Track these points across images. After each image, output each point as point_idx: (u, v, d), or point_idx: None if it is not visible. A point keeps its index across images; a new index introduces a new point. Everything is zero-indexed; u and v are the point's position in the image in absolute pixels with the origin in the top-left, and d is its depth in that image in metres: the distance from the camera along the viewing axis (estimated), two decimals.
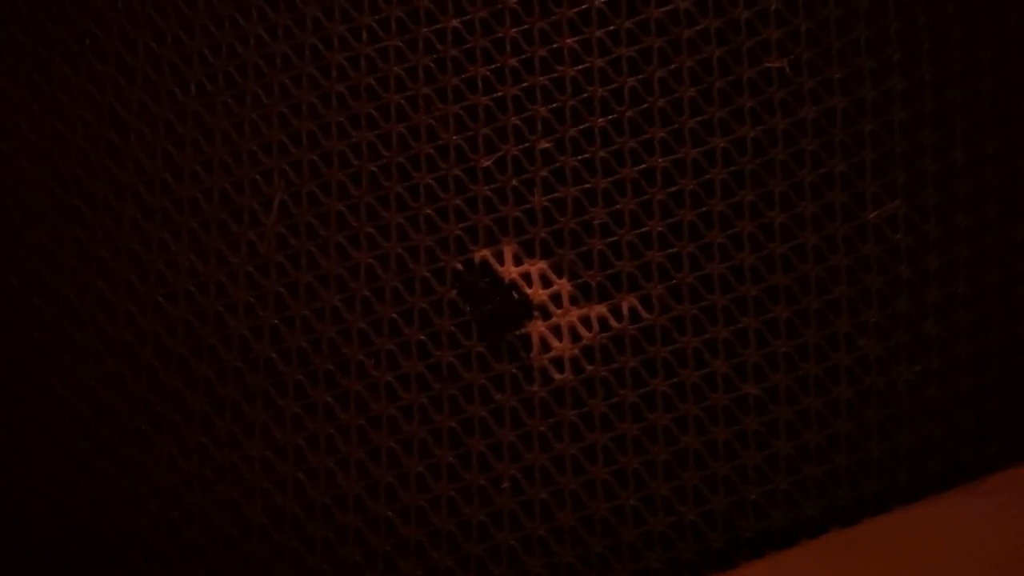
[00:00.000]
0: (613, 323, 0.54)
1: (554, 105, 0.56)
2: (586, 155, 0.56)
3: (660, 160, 0.55)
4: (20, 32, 0.60)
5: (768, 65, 0.56)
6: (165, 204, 0.57)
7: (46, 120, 0.58)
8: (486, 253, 0.55)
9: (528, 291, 0.55)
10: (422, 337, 0.55)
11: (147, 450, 0.54)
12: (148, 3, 0.59)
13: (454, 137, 0.56)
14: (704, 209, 0.55)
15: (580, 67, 0.56)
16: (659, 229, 0.55)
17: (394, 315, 0.55)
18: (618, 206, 0.55)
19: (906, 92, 0.56)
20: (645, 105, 0.56)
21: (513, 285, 0.55)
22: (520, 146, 0.56)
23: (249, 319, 0.55)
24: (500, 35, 0.57)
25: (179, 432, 0.55)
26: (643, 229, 0.55)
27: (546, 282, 0.55)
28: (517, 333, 0.55)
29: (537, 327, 0.55)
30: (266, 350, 0.55)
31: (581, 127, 0.56)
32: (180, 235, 0.56)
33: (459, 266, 0.55)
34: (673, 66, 0.56)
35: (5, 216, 0.58)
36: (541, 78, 0.56)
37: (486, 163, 0.56)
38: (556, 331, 0.55)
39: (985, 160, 0.55)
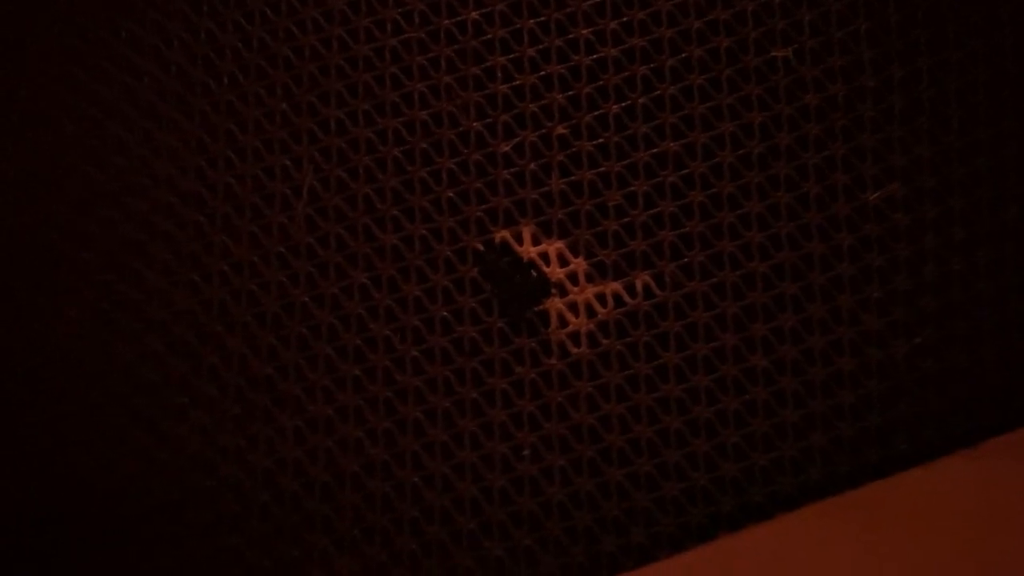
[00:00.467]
0: (627, 299, 0.57)
1: (570, 93, 0.59)
2: (601, 140, 0.59)
3: (671, 144, 0.58)
4: (60, 26, 0.62)
5: (774, 54, 0.59)
6: (200, 189, 0.60)
7: (86, 111, 0.61)
8: (506, 234, 0.58)
9: (546, 270, 0.58)
10: (445, 313, 0.57)
11: (184, 423, 0.57)
12: (186, 1, 0.62)
13: (475, 124, 0.59)
14: (713, 191, 0.58)
15: (595, 56, 0.59)
16: (671, 210, 0.58)
17: (419, 293, 0.58)
18: (632, 188, 0.58)
19: (904, 80, 0.59)
20: (657, 92, 0.59)
21: (532, 264, 0.58)
22: (538, 132, 0.59)
23: (281, 297, 0.58)
24: (518, 26, 0.60)
25: (215, 405, 0.57)
26: (655, 210, 0.58)
27: (563, 261, 0.58)
28: (536, 309, 0.58)
29: (555, 304, 0.58)
30: (297, 327, 0.58)
31: (596, 113, 0.59)
32: (214, 219, 0.59)
33: (480, 246, 0.58)
34: (683, 55, 0.59)
35: (48, 203, 0.60)
36: (558, 67, 0.59)
37: (505, 148, 0.59)
38: (573, 307, 0.57)
39: (978, 147, 0.58)
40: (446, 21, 0.60)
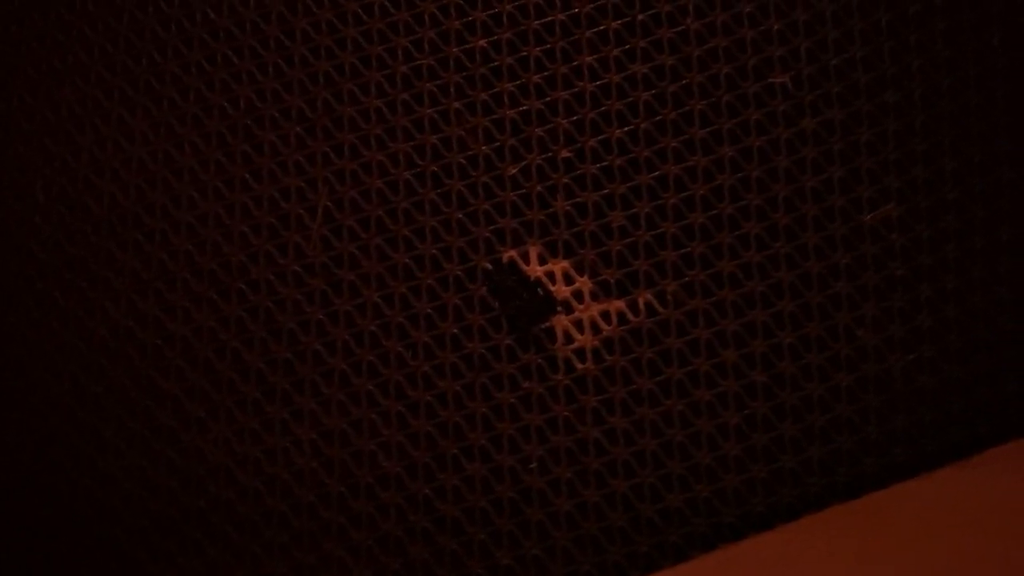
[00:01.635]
0: (631, 317, 0.59)
1: (575, 117, 0.61)
2: (605, 163, 0.61)
3: (673, 167, 0.60)
4: (85, 55, 0.65)
5: (772, 80, 0.61)
6: (218, 210, 0.62)
7: (110, 135, 0.63)
8: (513, 254, 0.60)
9: (552, 288, 0.60)
10: (455, 330, 0.60)
11: (204, 435, 0.59)
12: (200, 26, 0.64)
13: (483, 147, 0.61)
14: (714, 212, 0.60)
15: (598, 83, 0.61)
16: (673, 231, 0.60)
17: (429, 310, 0.60)
18: (635, 210, 0.60)
19: (898, 105, 0.61)
20: (659, 117, 0.61)
21: (538, 283, 0.60)
22: (544, 155, 0.61)
23: (297, 315, 0.60)
24: (524, 54, 0.62)
25: (233, 418, 0.59)
26: (658, 231, 0.60)
27: (569, 280, 0.60)
28: (542, 327, 0.60)
29: (561, 321, 0.60)
30: (313, 343, 0.60)
31: (600, 138, 0.61)
32: (232, 238, 0.62)
33: (489, 266, 0.60)
34: (684, 81, 0.61)
35: (74, 223, 0.63)
36: (562, 93, 0.62)
37: (513, 171, 0.61)
38: (578, 325, 0.59)
39: (971, 168, 0.60)
40: (455, 49, 0.62)
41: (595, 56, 0.62)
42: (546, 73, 0.62)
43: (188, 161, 0.63)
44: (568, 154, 0.61)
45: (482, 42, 0.62)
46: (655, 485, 0.57)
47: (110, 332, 0.61)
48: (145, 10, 0.65)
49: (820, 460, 0.57)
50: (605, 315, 0.59)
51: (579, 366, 0.59)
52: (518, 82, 0.62)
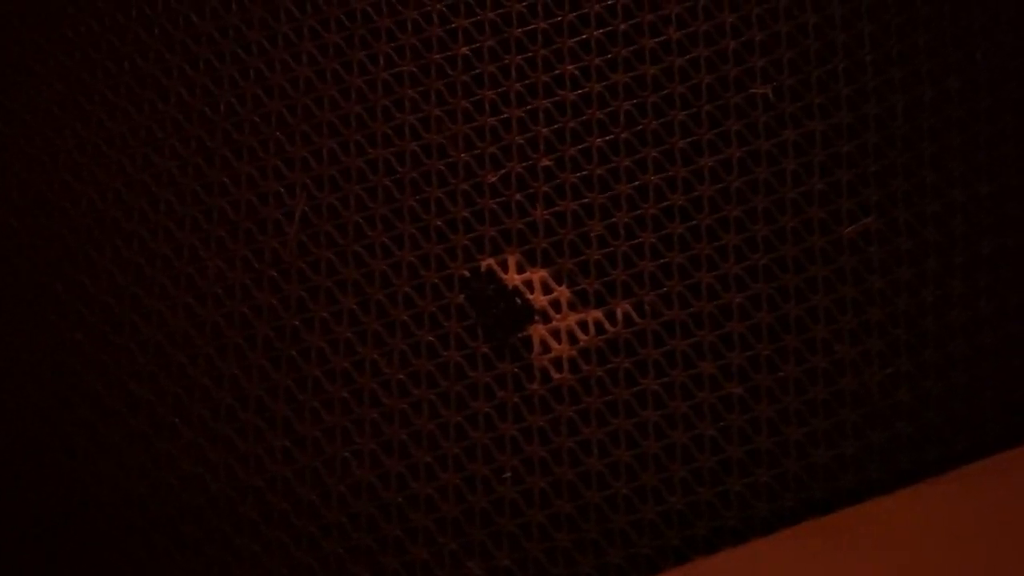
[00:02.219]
0: (608, 327, 0.59)
1: (555, 126, 0.61)
2: (584, 172, 0.60)
3: (653, 178, 0.60)
4: (66, 58, 0.65)
5: (753, 91, 0.61)
6: (196, 214, 0.62)
7: (90, 139, 0.63)
8: (491, 262, 0.60)
9: (530, 297, 0.60)
10: (432, 338, 0.59)
11: (177, 441, 0.59)
12: (182, 30, 0.64)
13: (463, 155, 0.61)
14: (693, 223, 0.60)
15: (579, 92, 0.61)
16: (651, 241, 0.60)
17: (406, 318, 0.60)
18: (613, 220, 0.60)
19: (879, 117, 0.61)
20: (639, 127, 0.61)
21: (516, 291, 0.60)
22: (524, 164, 0.61)
23: (272, 320, 0.60)
24: (506, 62, 0.62)
25: (206, 425, 0.59)
26: (636, 241, 0.60)
27: (547, 289, 0.60)
28: (519, 336, 0.59)
29: (538, 330, 0.59)
30: (287, 349, 0.59)
31: (580, 147, 0.61)
32: (209, 243, 0.61)
33: (466, 273, 0.60)
34: (665, 92, 0.61)
35: (51, 227, 0.62)
36: (543, 101, 0.61)
37: (492, 179, 0.61)
38: (555, 334, 0.59)
39: (952, 181, 0.60)
40: (437, 56, 0.62)
41: (576, 65, 0.62)
42: (527, 81, 0.62)
43: (167, 165, 0.63)
44: (548, 163, 0.61)
45: (464, 49, 0.62)
46: (629, 497, 0.57)
47: (85, 336, 0.61)
48: (128, 13, 0.65)
49: (795, 474, 0.57)
50: (582, 325, 0.59)
51: (555, 375, 0.59)
52: (499, 90, 0.62)
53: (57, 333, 0.61)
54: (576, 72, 0.62)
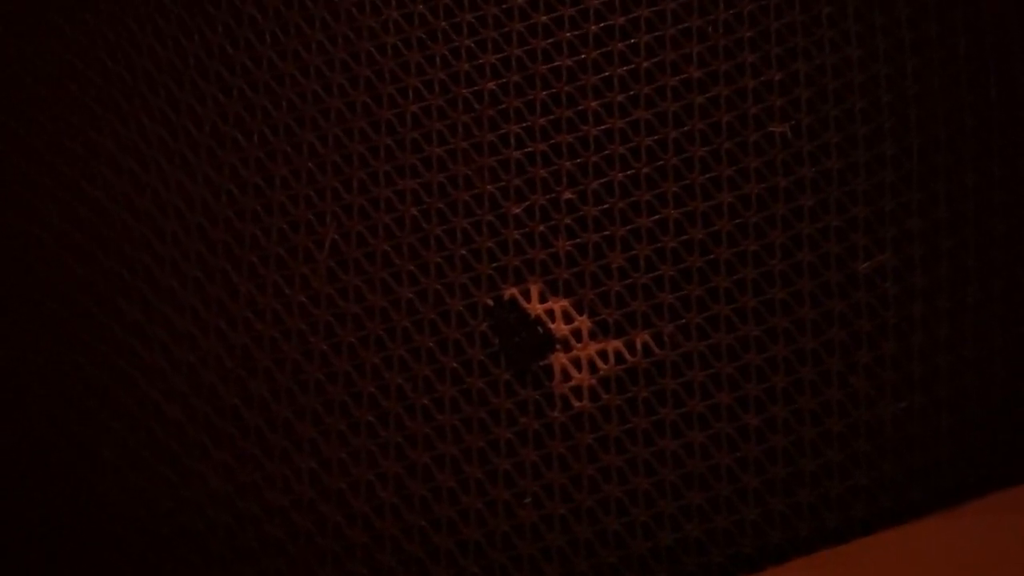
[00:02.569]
0: (628, 357, 0.61)
1: (578, 160, 0.63)
2: (606, 206, 0.62)
3: (672, 212, 0.62)
4: (106, 86, 0.67)
5: (772, 129, 0.63)
6: (228, 239, 0.64)
7: (126, 164, 0.65)
8: (515, 291, 0.62)
9: (552, 326, 0.61)
10: (456, 365, 0.61)
11: (206, 459, 0.60)
12: (217, 59, 0.66)
13: (488, 187, 0.63)
14: (711, 257, 0.61)
15: (602, 127, 0.63)
16: (671, 274, 0.61)
17: (431, 344, 0.61)
18: (634, 252, 0.61)
19: (896, 157, 0.62)
20: (660, 162, 0.62)
21: (538, 320, 0.61)
22: (547, 196, 0.63)
23: (301, 344, 0.61)
24: (531, 98, 0.64)
25: (235, 445, 0.61)
26: (656, 273, 0.61)
27: (568, 318, 0.61)
28: (541, 364, 0.61)
29: (559, 359, 0.61)
30: (315, 372, 0.61)
31: (602, 180, 0.62)
32: (241, 268, 0.63)
33: (490, 302, 0.62)
34: (686, 128, 0.63)
35: (86, 247, 0.64)
36: (567, 136, 0.63)
37: (516, 210, 0.62)
38: (576, 363, 0.61)
39: (965, 219, 0.61)
40: (464, 90, 0.64)
41: (600, 101, 0.63)
42: (551, 116, 0.63)
43: (200, 191, 0.64)
44: (571, 196, 0.63)
45: (491, 84, 0.64)
46: (647, 523, 0.58)
47: (116, 353, 0.62)
48: (165, 44, 0.67)
49: (810, 504, 0.58)
50: (603, 354, 0.61)
51: (576, 403, 0.60)
52: (524, 124, 0.63)
53: (90, 351, 0.63)
54: (599, 108, 0.63)
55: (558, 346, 0.61)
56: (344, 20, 0.66)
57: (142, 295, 0.63)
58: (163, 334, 0.63)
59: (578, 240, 0.62)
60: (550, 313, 0.62)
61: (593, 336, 0.61)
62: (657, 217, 0.62)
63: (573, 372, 0.61)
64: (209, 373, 0.62)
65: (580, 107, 0.63)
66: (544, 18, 0.65)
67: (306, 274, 0.63)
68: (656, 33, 0.64)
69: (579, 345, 0.61)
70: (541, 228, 0.62)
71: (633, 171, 0.62)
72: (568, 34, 0.64)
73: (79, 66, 0.68)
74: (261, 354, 0.62)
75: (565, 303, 0.62)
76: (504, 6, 0.65)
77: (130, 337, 0.63)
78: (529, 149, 0.63)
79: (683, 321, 0.61)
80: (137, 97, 0.67)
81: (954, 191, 0.62)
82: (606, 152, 0.63)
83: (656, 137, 0.63)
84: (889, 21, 0.64)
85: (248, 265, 0.63)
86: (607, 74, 0.64)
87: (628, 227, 0.62)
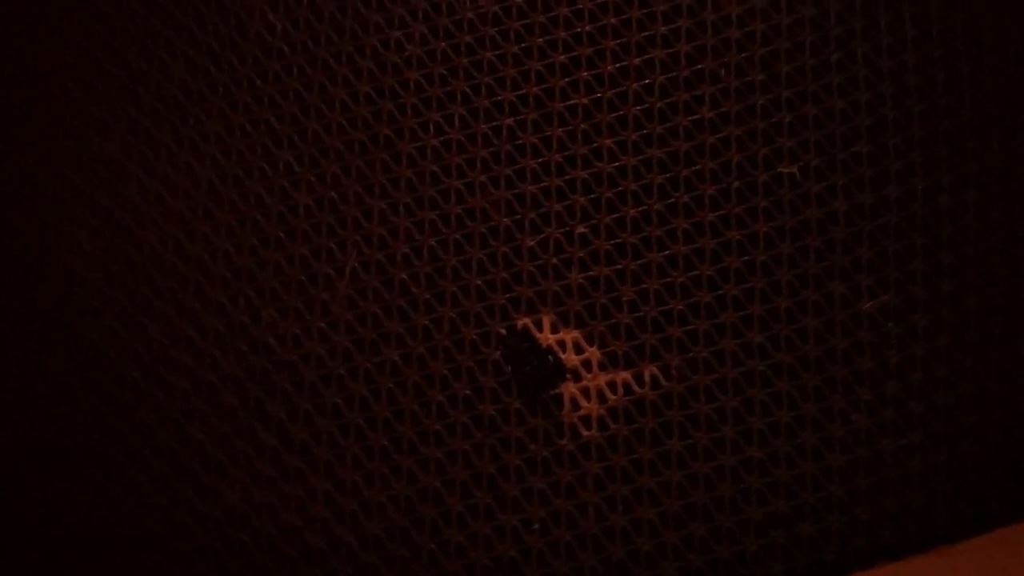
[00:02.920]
0: (636, 388, 0.62)
1: (592, 196, 0.65)
2: (618, 240, 0.64)
3: (682, 248, 0.64)
4: (135, 111, 0.69)
5: (780, 170, 0.65)
6: (251, 266, 0.66)
7: (152, 188, 0.68)
8: (527, 321, 0.64)
9: (562, 356, 0.63)
10: (468, 392, 0.63)
11: (224, 479, 0.62)
12: (245, 90, 0.69)
13: (504, 219, 0.65)
14: (720, 292, 0.63)
15: (616, 164, 0.65)
16: (679, 308, 0.63)
17: (445, 371, 0.63)
18: (644, 286, 0.63)
19: (900, 199, 0.64)
20: (671, 200, 0.64)
21: (550, 350, 0.63)
22: (561, 230, 0.65)
23: (319, 369, 0.64)
24: (548, 134, 0.66)
25: (252, 464, 0.62)
26: (665, 307, 0.63)
27: (578, 349, 0.63)
28: (551, 393, 0.63)
29: (569, 388, 0.63)
30: (332, 396, 0.63)
31: (615, 216, 0.65)
32: (263, 293, 0.65)
33: (503, 331, 0.64)
34: (696, 167, 0.65)
35: (114, 270, 0.67)
36: (582, 172, 0.65)
37: (531, 243, 0.65)
38: (585, 393, 0.63)
39: (966, 261, 0.63)
40: (483, 126, 0.66)
41: (614, 139, 0.65)
42: (567, 152, 0.66)
43: (226, 218, 0.67)
44: (584, 230, 0.65)
45: (509, 120, 0.66)
46: (651, 553, 0.60)
47: (142, 375, 0.64)
48: (195, 74, 0.70)
49: (809, 537, 0.60)
50: (611, 385, 0.63)
51: (584, 433, 0.62)
52: (541, 160, 0.66)
53: (116, 370, 0.65)
54: (613, 146, 0.65)
55: (568, 376, 0.63)
56: (369, 55, 0.68)
57: (166, 316, 0.65)
58: (187, 355, 0.65)
59: (590, 273, 0.64)
60: (561, 343, 0.63)
61: (603, 367, 0.63)
62: (667, 252, 0.64)
63: (582, 402, 0.62)
64: (229, 395, 0.64)
65: (595, 144, 0.66)
66: (562, 57, 0.67)
67: (326, 300, 0.65)
68: (670, 74, 0.66)
69: (589, 375, 0.63)
70: (554, 261, 0.64)
71: (645, 207, 0.64)
72: (585, 73, 0.67)
73: (114, 97, 0.70)
74: (280, 377, 0.64)
75: (576, 334, 0.63)
76: (523, 45, 0.67)
77: (154, 357, 0.65)
78: (545, 184, 0.65)
79: (691, 355, 0.62)
80: (167, 125, 0.69)
81: (956, 233, 0.64)
82: (619, 188, 0.65)
83: (669, 175, 0.65)
84: (897, 65, 0.66)
85: (271, 291, 0.65)
86: (621, 113, 0.66)
87: (639, 261, 0.64)
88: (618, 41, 0.67)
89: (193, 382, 0.64)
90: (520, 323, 0.64)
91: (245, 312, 0.65)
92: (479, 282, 0.64)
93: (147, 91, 0.70)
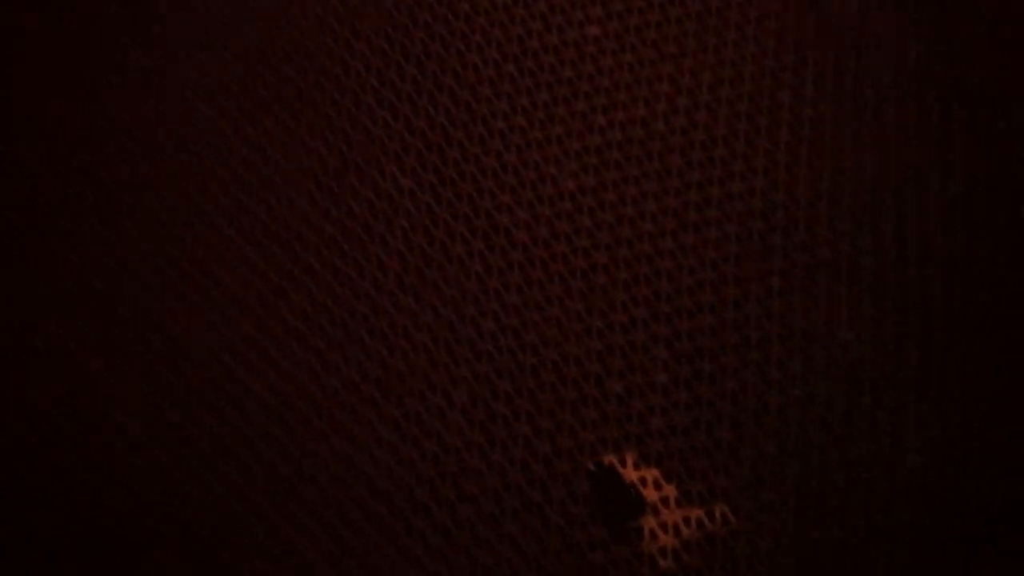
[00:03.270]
0: (708, 524, 0.71)
1: (673, 349, 0.74)
2: (694, 392, 0.73)
3: (752, 400, 0.73)
4: (242, 240, 0.78)
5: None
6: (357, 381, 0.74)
7: (268, 323, 0.76)
8: (613, 459, 0.72)
9: (643, 491, 0.72)
10: (560, 521, 0.71)
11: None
12: (341, 221, 0.78)
13: (596, 366, 0.74)
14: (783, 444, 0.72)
15: (693, 320, 0.75)
16: (748, 453, 0.72)
17: (540, 501, 0.71)
18: (718, 436, 0.73)
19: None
20: (744, 353, 0.74)
21: (632, 485, 0.72)
22: (646, 379, 0.74)
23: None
24: (634, 294, 0.76)
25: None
26: (736, 453, 0.72)
27: (658, 486, 0.72)
28: (633, 525, 0.71)
29: (649, 521, 0.71)
30: (441, 514, 0.71)
31: (693, 367, 0.74)
32: (385, 420, 0.73)
33: (592, 467, 0.72)
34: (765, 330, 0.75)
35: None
36: (663, 329, 0.75)
37: (618, 389, 0.74)
38: (663, 526, 0.71)
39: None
40: (579, 283, 0.76)
41: (694, 300, 0.75)
42: (651, 309, 0.75)
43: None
44: (664, 379, 0.74)
45: (602, 278, 0.76)
46: None
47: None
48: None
49: None
50: (687, 520, 0.71)
51: (662, 563, 0.70)
52: (629, 315, 0.75)
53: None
54: (692, 306, 0.75)
55: (648, 510, 0.71)
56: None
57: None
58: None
59: (670, 419, 0.73)
60: (643, 480, 0.72)
61: (679, 503, 0.71)
62: (738, 404, 0.73)
63: (660, 534, 0.71)
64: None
65: (676, 305, 0.75)
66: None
67: (440, 431, 0.73)
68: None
69: (667, 510, 0.71)
70: (639, 406, 0.73)
71: (721, 362, 0.74)
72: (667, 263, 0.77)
73: (220, 222, 0.79)
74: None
75: (656, 472, 0.72)
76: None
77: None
78: (632, 337, 0.75)
79: (758, 496, 0.71)
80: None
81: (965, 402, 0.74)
82: (696, 343, 0.74)
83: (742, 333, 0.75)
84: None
85: (391, 420, 0.73)
86: (699, 276, 0.76)
87: (713, 410, 0.73)
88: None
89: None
90: (607, 460, 0.72)
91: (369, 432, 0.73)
92: (572, 422, 0.73)
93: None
